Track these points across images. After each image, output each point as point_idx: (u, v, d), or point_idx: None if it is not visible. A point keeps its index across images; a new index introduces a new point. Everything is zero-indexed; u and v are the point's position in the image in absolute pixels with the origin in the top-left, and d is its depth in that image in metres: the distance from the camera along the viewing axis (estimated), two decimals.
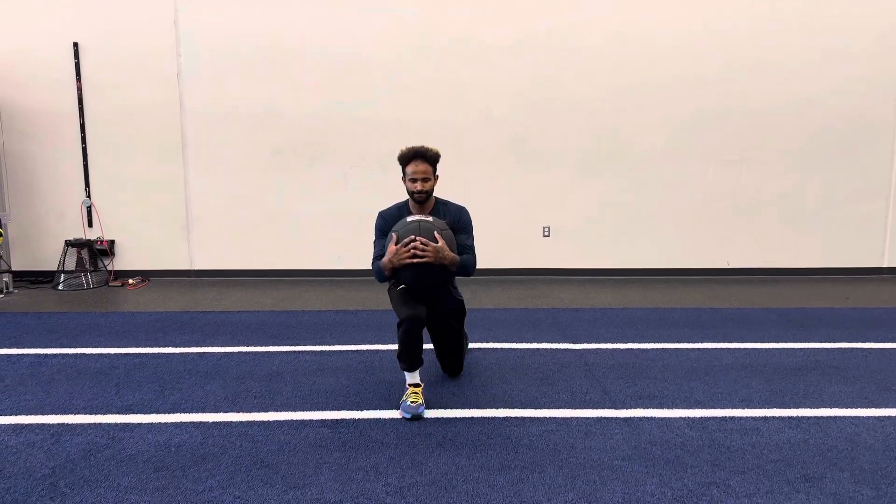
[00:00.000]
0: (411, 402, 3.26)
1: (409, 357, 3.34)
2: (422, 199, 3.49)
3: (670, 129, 6.45)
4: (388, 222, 3.55)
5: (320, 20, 6.30)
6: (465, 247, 3.52)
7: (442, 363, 3.79)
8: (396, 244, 3.31)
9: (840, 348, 4.28)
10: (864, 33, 6.31)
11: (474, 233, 3.66)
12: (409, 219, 3.39)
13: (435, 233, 3.30)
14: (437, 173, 3.53)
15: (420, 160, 3.44)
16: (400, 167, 3.52)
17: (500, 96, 6.34)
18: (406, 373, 3.38)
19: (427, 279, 3.38)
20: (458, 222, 3.56)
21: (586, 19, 6.30)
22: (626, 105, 6.41)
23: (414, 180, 3.45)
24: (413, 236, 3.27)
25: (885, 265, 6.65)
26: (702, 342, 4.41)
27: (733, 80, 6.36)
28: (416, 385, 3.35)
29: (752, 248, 6.62)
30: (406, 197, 3.61)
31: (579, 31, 6.32)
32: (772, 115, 6.41)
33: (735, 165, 6.49)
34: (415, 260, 3.26)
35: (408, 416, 3.23)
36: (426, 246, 3.25)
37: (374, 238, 3.63)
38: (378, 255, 3.52)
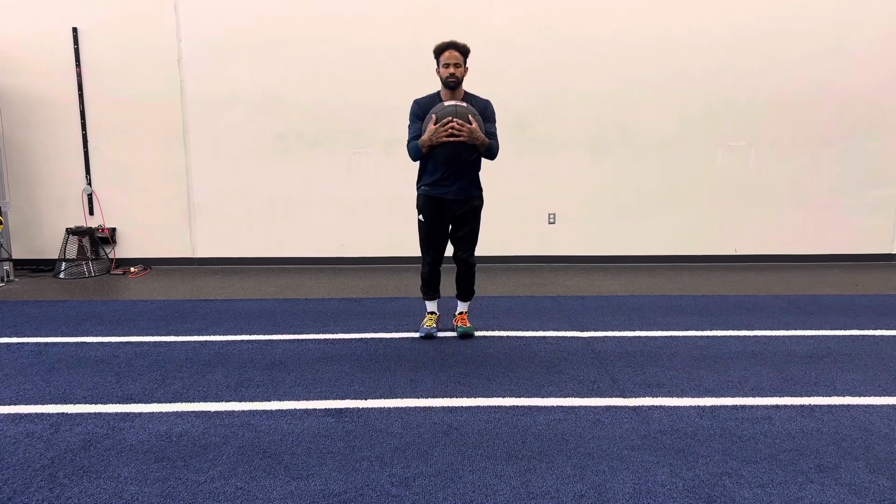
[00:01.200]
0: (426, 325, 4.14)
1: (429, 290, 4.19)
2: (453, 83, 3.84)
3: (678, 114, 6.36)
4: (423, 108, 3.92)
5: (323, 4, 6.20)
6: (490, 133, 3.93)
7: (457, 249, 4.13)
8: (436, 124, 3.70)
9: (851, 336, 4.22)
10: (875, 18, 6.19)
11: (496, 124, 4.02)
12: (447, 103, 3.79)
13: (469, 116, 3.72)
14: (466, 65, 3.90)
15: (453, 49, 3.83)
16: (435, 60, 3.88)
17: (506, 82, 6.25)
18: (426, 302, 4.21)
19: (460, 156, 3.82)
20: (485, 111, 3.95)
21: (594, 4, 6.20)
22: (633, 91, 6.32)
23: (447, 65, 3.82)
24: (451, 117, 3.69)
25: (895, 252, 6.56)
26: (710, 330, 4.35)
27: (743, 66, 6.26)
28: (433, 313, 4.22)
29: (761, 234, 6.54)
30: (437, 89, 3.96)
31: (586, 17, 6.21)
32: (781, 101, 6.31)
33: (743, 151, 6.40)
34: (452, 139, 3.70)
35: (422, 334, 4.09)
36: (462, 126, 3.68)
37: (408, 123, 3.97)
38: (414, 137, 3.91)
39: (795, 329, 4.35)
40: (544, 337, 4.23)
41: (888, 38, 6.23)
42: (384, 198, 6.38)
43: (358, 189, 6.43)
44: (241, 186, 6.46)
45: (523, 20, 6.21)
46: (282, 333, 4.33)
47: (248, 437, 2.89)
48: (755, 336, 4.22)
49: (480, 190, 4.11)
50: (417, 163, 4.08)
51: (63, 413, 3.14)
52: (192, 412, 3.14)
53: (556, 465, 2.63)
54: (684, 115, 6.36)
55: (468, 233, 4.08)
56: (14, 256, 6.25)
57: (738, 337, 4.21)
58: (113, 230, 6.52)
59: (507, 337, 4.23)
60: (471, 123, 3.71)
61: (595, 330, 4.36)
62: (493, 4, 6.19)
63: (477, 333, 4.26)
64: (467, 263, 4.13)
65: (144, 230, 6.56)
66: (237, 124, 6.36)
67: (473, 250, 4.15)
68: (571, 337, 4.22)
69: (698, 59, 6.26)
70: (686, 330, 4.34)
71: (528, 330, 4.37)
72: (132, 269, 6.34)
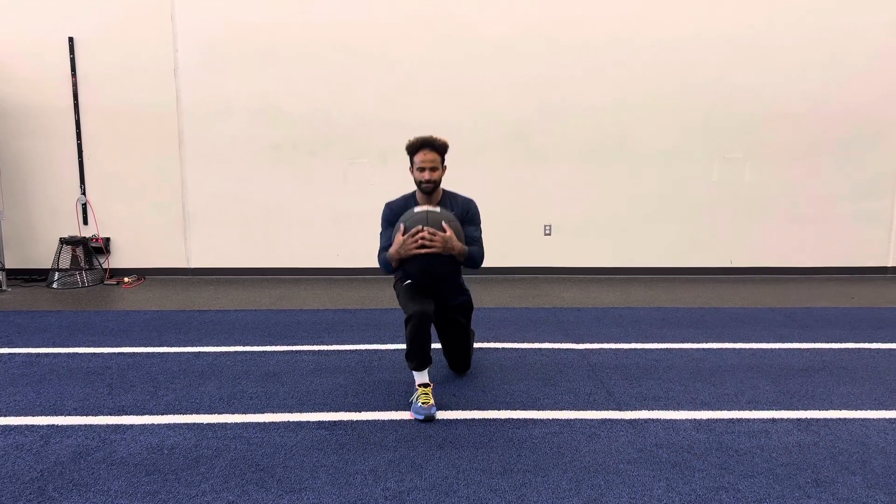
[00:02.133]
0: (422, 404, 3.18)
1: (418, 354, 3.27)
2: (430, 188, 3.41)
3: (674, 126, 6.37)
4: (395, 213, 3.49)
5: (319, 14, 6.21)
6: (473, 238, 3.46)
7: (449, 360, 3.74)
8: (404, 234, 3.24)
9: (847, 349, 4.21)
10: (870, 31, 6.23)
11: (482, 226, 3.60)
12: (417, 209, 3.32)
13: (443, 223, 3.23)
14: (444, 164, 3.47)
15: (428, 149, 3.38)
16: (408, 158, 3.47)
17: (502, 93, 6.26)
18: (415, 372, 3.30)
19: (435, 270, 3.30)
20: (466, 214, 3.50)
21: (590, 16, 6.22)
22: (629, 103, 6.33)
23: (422, 169, 3.38)
24: (421, 226, 3.21)
25: (890, 265, 6.57)
26: (707, 342, 4.34)
27: (739, 78, 6.28)
28: (426, 385, 3.27)
29: (757, 247, 6.54)
30: (413, 189, 3.54)
31: (583, 28, 6.23)
32: (777, 113, 6.33)
33: (739, 164, 6.41)
34: (423, 250, 3.19)
35: (420, 417, 3.16)
36: (434, 236, 3.18)
37: (380, 230, 3.58)
38: (385, 247, 3.45)
39: (791, 342, 4.34)
40: (540, 349, 4.21)
41: (883, 51, 6.26)
42: (380, 208, 6.30)
43: (354, 199, 6.42)
44: (236, 196, 6.44)
45: (521, 30, 6.23)
46: (276, 345, 4.30)
47: (240, 449, 2.86)
48: (751, 349, 4.21)
49: (467, 293, 3.68)
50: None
51: (53, 425, 3.10)
52: (184, 424, 3.10)
53: (551, 479, 2.60)
54: (681, 127, 6.37)
55: (459, 339, 3.64)
56: (7, 266, 6.21)
57: (735, 350, 4.19)
58: (107, 240, 6.48)
59: (503, 349, 4.21)
60: (445, 231, 3.21)
61: (591, 342, 4.34)
62: (490, 14, 6.21)
63: (472, 345, 4.23)
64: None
65: (139, 240, 6.53)
66: (233, 134, 6.35)
67: (468, 364, 3.75)
68: (567, 349, 4.21)
69: (696, 71, 6.28)
70: (682, 342, 4.33)
71: (523, 341, 4.35)
72: (126, 279, 6.31)
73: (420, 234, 3.19)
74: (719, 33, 6.24)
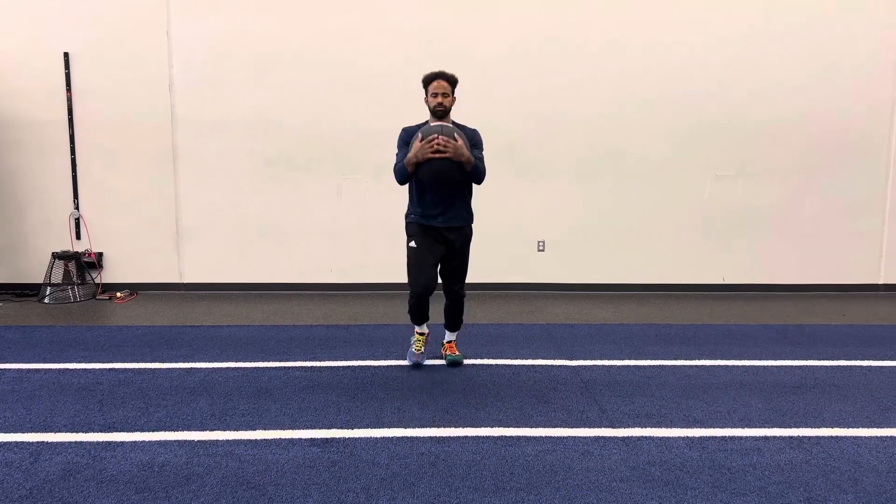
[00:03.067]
0: (416, 350, 4.11)
1: (418, 316, 4.07)
2: (441, 112, 3.89)
3: (666, 143, 6.41)
4: (410, 135, 3.93)
5: (314, 31, 6.25)
6: (478, 157, 3.92)
7: (446, 284, 4.13)
8: (421, 141, 3.71)
9: (839, 366, 4.22)
10: (859, 49, 6.31)
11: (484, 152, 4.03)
12: (433, 124, 3.82)
13: (455, 134, 3.74)
14: (454, 94, 3.95)
15: (441, 79, 3.90)
16: (423, 89, 3.97)
17: (495, 108, 6.29)
18: (415, 325, 4.14)
19: (447, 174, 3.78)
20: (472, 138, 3.96)
21: (583, 32, 6.28)
22: (621, 119, 6.37)
23: (435, 95, 3.88)
24: (436, 134, 3.70)
25: (881, 282, 6.61)
26: (699, 359, 4.34)
27: (730, 94, 6.34)
28: (422, 333, 4.15)
29: (748, 264, 6.57)
30: (426, 119, 4.01)
31: (576, 44, 6.29)
32: (768, 129, 6.38)
33: (731, 181, 6.46)
34: (437, 154, 3.69)
35: (410, 362, 4.10)
36: (447, 143, 3.68)
37: (396, 150, 3.99)
38: (400, 160, 3.89)
39: (783, 359, 4.36)
40: (533, 365, 4.21)
41: (874, 69, 6.33)
42: (374, 224, 6.38)
43: (348, 215, 6.42)
44: (229, 211, 6.44)
45: (513, 46, 6.27)
46: (268, 361, 4.28)
47: (231, 467, 2.84)
48: (743, 366, 4.22)
49: (471, 218, 4.10)
50: (407, 191, 4.08)
51: (43, 442, 3.08)
52: (175, 441, 3.09)
53: (544, 497, 2.60)
54: (673, 143, 6.42)
55: (458, 265, 4.08)
56: None
57: (727, 367, 4.20)
58: (100, 255, 6.46)
59: (496, 365, 4.21)
60: (456, 141, 3.71)
61: (584, 359, 4.34)
62: (484, 30, 6.26)
63: (465, 361, 4.24)
64: (458, 295, 4.14)
65: (132, 255, 6.51)
66: (227, 148, 6.36)
67: (463, 283, 4.15)
68: (560, 365, 4.21)
69: (687, 88, 6.32)
70: (675, 359, 4.34)
71: (516, 358, 4.35)
72: (118, 294, 6.28)
73: (436, 140, 3.68)
74: (710, 51, 6.30)
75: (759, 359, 4.35)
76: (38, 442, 3.08)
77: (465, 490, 2.66)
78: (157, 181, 6.39)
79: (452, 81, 3.93)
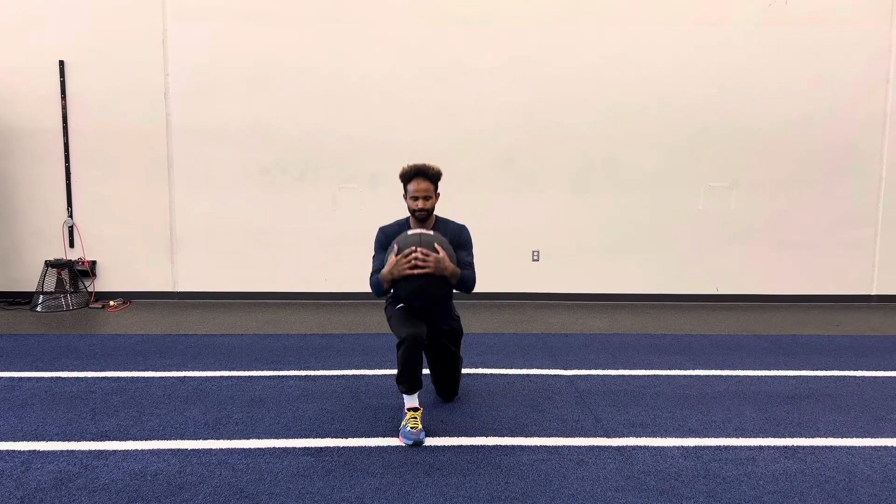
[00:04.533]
0: (411, 428, 3.20)
1: (410, 378, 3.27)
2: (423, 216, 3.48)
3: (660, 153, 6.44)
4: (388, 237, 3.53)
5: (310, 41, 6.27)
6: (465, 263, 3.51)
7: (437, 386, 3.74)
8: (397, 255, 3.28)
9: (833, 376, 4.23)
10: (852, 59, 6.36)
11: (473, 251, 3.66)
12: (410, 231, 3.39)
13: (435, 244, 3.29)
14: (438, 191, 3.54)
15: (422, 178, 3.44)
16: (402, 185, 3.54)
17: (491, 118, 6.31)
18: (405, 396, 3.31)
19: (428, 291, 3.34)
20: (457, 239, 3.56)
21: (577, 43, 6.31)
22: (615, 129, 6.40)
23: (415, 198, 3.45)
24: (414, 247, 3.25)
25: (874, 293, 6.63)
26: (693, 369, 4.35)
27: (723, 106, 6.37)
28: (416, 409, 3.28)
29: (742, 274, 6.58)
30: (407, 215, 3.61)
31: (571, 55, 6.32)
32: (761, 140, 6.42)
33: (725, 191, 6.49)
34: (416, 271, 3.24)
35: (409, 442, 3.17)
36: (427, 256, 3.23)
37: (373, 253, 3.62)
38: (377, 269, 3.48)
39: (777, 369, 4.37)
40: (528, 375, 4.20)
41: (866, 82, 6.38)
42: (369, 233, 6.29)
43: (342, 224, 6.42)
44: (224, 220, 6.43)
45: (508, 56, 6.30)
46: (262, 369, 4.27)
47: (225, 476, 2.82)
48: (738, 376, 4.23)
49: (458, 319, 3.74)
50: (402, 197, 3.86)
51: (35, 450, 3.06)
52: (168, 450, 3.07)
53: None
54: (667, 154, 6.44)
55: (448, 364, 3.65)
56: None
57: (721, 377, 4.21)
58: (93, 263, 6.44)
59: (491, 374, 4.20)
60: (438, 253, 3.27)
61: (579, 368, 4.34)
62: (478, 40, 6.28)
63: (461, 371, 4.22)
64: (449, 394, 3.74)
65: (125, 263, 6.48)
66: (222, 157, 6.36)
67: (457, 390, 3.76)
68: (555, 375, 4.20)
69: (682, 99, 6.35)
70: (669, 369, 4.34)
71: (511, 367, 4.34)
72: (111, 302, 6.25)
73: (413, 255, 3.23)
74: (704, 63, 6.34)
75: (754, 369, 4.36)
76: (29, 451, 3.06)
77: (459, 499, 2.65)
78: (151, 190, 6.38)
79: (435, 178, 3.49)
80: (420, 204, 3.44)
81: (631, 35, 6.31)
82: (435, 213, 3.59)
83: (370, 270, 3.55)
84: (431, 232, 3.39)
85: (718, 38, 6.32)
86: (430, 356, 3.65)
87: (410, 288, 3.32)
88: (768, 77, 6.36)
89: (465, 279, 3.46)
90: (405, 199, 3.53)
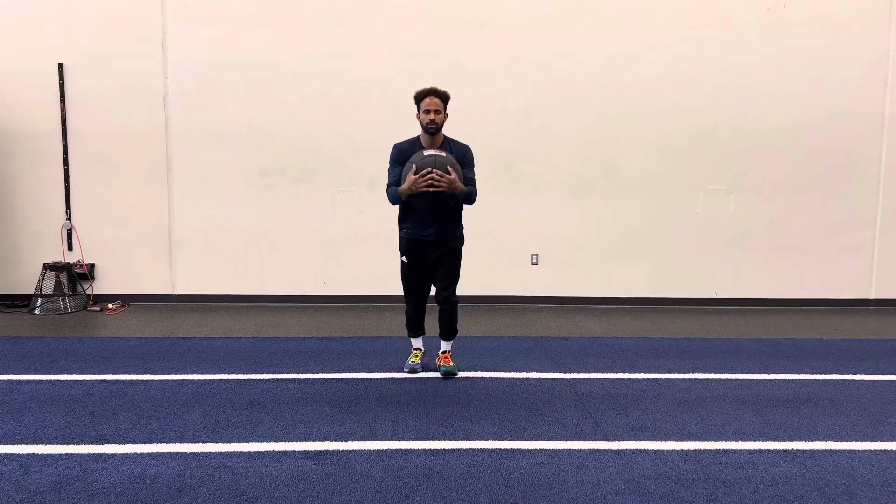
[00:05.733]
0: (412, 361, 4.23)
1: (415, 327, 4.29)
2: (433, 129, 3.97)
3: (659, 157, 6.45)
4: (402, 153, 4.04)
5: (309, 43, 6.27)
6: (469, 179, 4.06)
7: (438, 290, 4.21)
8: (415, 174, 3.81)
9: (832, 380, 4.23)
10: (850, 63, 6.37)
11: (475, 169, 4.19)
12: (426, 153, 3.92)
13: (448, 167, 3.84)
14: (446, 112, 4.04)
15: (433, 95, 3.98)
16: (416, 105, 4.04)
17: (490, 122, 6.32)
18: (412, 339, 4.32)
19: (440, 205, 3.94)
20: (463, 157, 4.08)
21: (577, 46, 6.32)
22: (614, 133, 6.41)
23: (428, 111, 3.95)
24: (430, 168, 3.80)
25: (872, 297, 6.64)
26: (693, 373, 4.35)
27: (722, 109, 6.39)
28: (419, 349, 4.31)
29: (741, 278, 6.59)
30: (417, 134, 4.10)
31: (570, 58, 6.33)
32: (760, 143, 6.43)
33: (723, 195, 6.50)
34: (431, 188, 3.81)
35: (406, 370, 4.18)
36: (441, 177, 3.80)
37: (388, 167, 4.10)
38: (393, 182, 4.04)
39: (776, 373, 4.37)
40: (527, 378, 4.20)
41: (864, 86, 6.39)
42: (368, 236, 6.37)
43: (341, 227, 6.42)
44: (223, 223, 6.42)
45: (508, 59, 6.31)
46: (261, 373, 4.26)
47: (224, 479, 2.82)
48: (737, 379, 4.23)
49: (461, 229, 4.22)
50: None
51: (33, 454, 3.05)
52: (167, 453, 3.06)
53: None
54: (666, 158, 6.45)
55: (448, 271, 4.16)
56: None
57: (721, 380, 4.21)
58: (92, 266, 6.43)
59: (490, 378, 4.20)
60: (450, 174, 3.83)
61: (578, 372, 4.34)
62: (477, 44, 6.29)
63: (459, 374, 4.22)
64: (449, 301, 4.19)
65: (124, 266, 6.47)
66: (221, 160, 6.35)
67: (454, 287, 4.21)
68: (554, 378, 4.20)
69: (680, 104, 6.36)
70: (669, 373, 4.34)
71: (510, 371, 4.34)
72: (110, 305, 6.24)
73: (430, 175, 3.80)
74: (703, 67, 6.35)
75: (753, 372, 4.36)
76: (28, 454, 3.05)
77: (459, 503, 2.64)
78: (150, 192, 6.37)
79: (444, 98, 4.02)
80: (432, 116, 3.94)
81: (630, 38, 6.33)
82: (442, 132, 4.05)
83: (386, 183, 4.09)
84: (444, 154, 3.91)
85: (717, 41, 6.34)
86: (434, 269, 4.14)
87: (425, 201, 3.90)
88: (766, 80, 6.38)
89: (470, 194, 4.05)
90: (418, 117, 4.03)
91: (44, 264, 6.18)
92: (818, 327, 5.78)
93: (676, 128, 6.42)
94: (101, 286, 6.49)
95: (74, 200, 6.37)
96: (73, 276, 6.25)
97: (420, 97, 4.02)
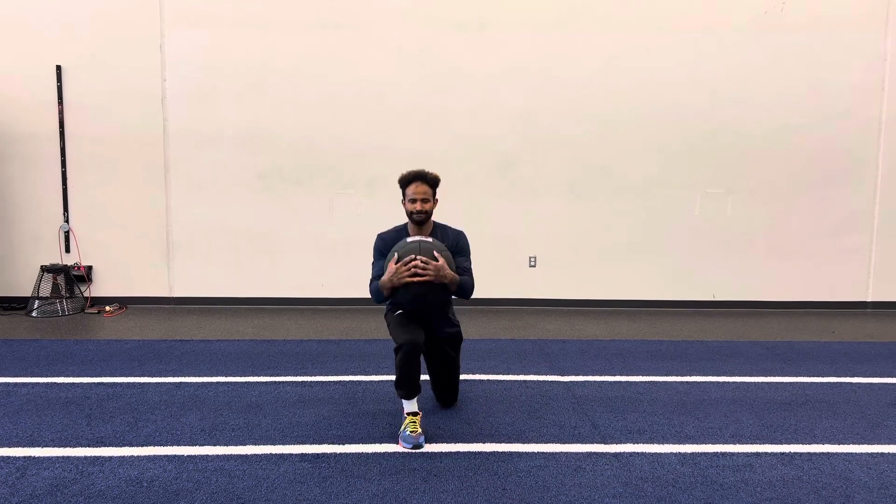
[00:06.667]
0: (410, 433, 3.20)
1: (408, 383, 3.26)
2: (421, 219, 3.52)
3: (657, 160, 6.46)
4: (387, 244, 3.56)
5: (308, 46, 6.28)
6: (463, 269, 3.54)
7: (436, 392, 3.73)
8: (397, 263, 3.31)
9: (829, 383, 4.24)
10: (847, 67, 6.39)
11: (471, 257, 3.70)
12: (410, 239, 3.41)
13: (435, 252, 3.32)
14: (436, 197, 3.58)
15: (420, 182, 3.50)
16: (400, 191, 3.58)
17: (489, 125, 6.33)
18: (404, 401, 3.31)
19: (427, 298, 3.38)
20: (456, 245, 3.60)
21: (574, 51, 6.34)
22: (612, 136, 6.42)
23: (414, 201, 3.48)
24: (413, 255, 3.28)
25: (869, 299, 6.65)
26: (690, 375, 4.35)
27: (719, 113, 6.40)
28: (415, 414, 3.29)
29: (738, 280, 6.60)
30: (405, 221, 3.65)
31: (568, 62, 6.34)
32: (757, 147, 6.45)
33: (721, 198, 6.51)
34: (415, 278, 3.26)
35: (408, 446, 3.17)
36: (427, 264, 3.26)
37: (371, 260, 3.64)
38: (376, 276, 3.52)
39: (774, 376, 4.37)
40: (525, 381, 4.20)
41: (861, 90, 6.41)
42: (366, 239, 6.27)
43: (340, 229, 6.42)
44: (221, 225, 6.42)
45: (507, 63, 6.32)
46: (259, 375, 4.26)
47: (221, 482, 2.81)
48: (734, 382, 4.23)
49: (457, 325, 3.71)
50: (400, 203, 3.99)
51: (30, 456, 3.04)
52: (164, 456, 3.06)
53: None
54: (664, 161, 6.46)
55: (447, 370, 3.66)
56: None
57: (718, 383, 4.21)
58: (89, 268, 6.42)
59: (488, 380, 4.20)
60: (437, 261, 3.29)
61: (576, 374, 4.34)
62: (476, 47, 6.30)
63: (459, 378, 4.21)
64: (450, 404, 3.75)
65: (121, 268, 6.47)
66: (219, 162, 6.35)
67: (456, 396, 3.75)
68: (552, 381, 4.20)
69: (678, 106, 6.38)
70: (666, 375, 4.34)
71: (508, 373, 4.34)
72: (107, 307, 6.24)
73: (413, 263, 3.26)
74: (700, 70, 6.37)
75: (750, 375, 4.37)
76: (24, 457, 3.04)
77: None
78: (148, 194, 6.37)
79: (434, 183, 3.55)
80: (419, 206, 3.47)
81: (628, 42, 6.34)
82: (433, 219, 3.62)
83: (369, 277, 3.57)
84: (430, 239, 3.41)
85: (715, 44, 6.35)
86: (430, 361, 3.66)
87: (410, 295, 3.34)
88: (764, 84, 6.39)
89: (464, 285, 3.49)
90: (403, 204, 3.56)
91: (41, 266, 6.17)
92: (815, 330, 5.79)
93: (674, 131, 6.43)
94: (98, 288, 6.48)
95: (72, 202, 6.37)
96: (71, 278, 6.24)
97: (405, 183, 3.53)
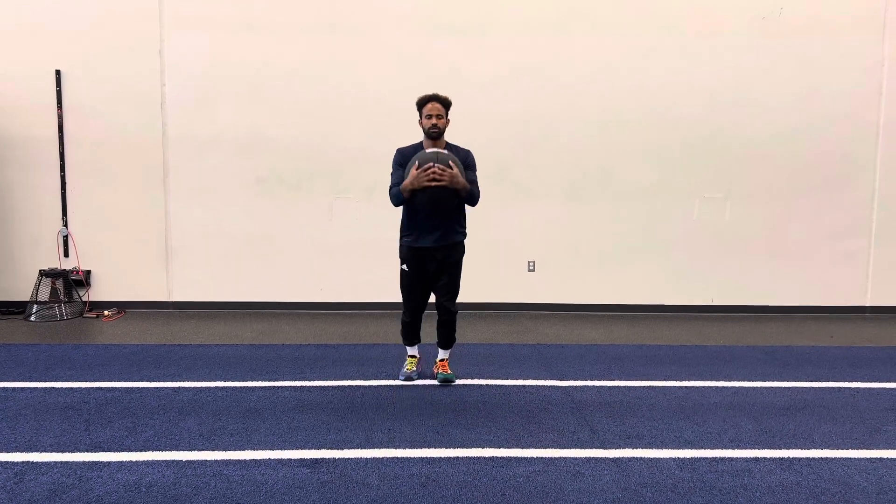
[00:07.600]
0: (407, 369, 4.23)
1: (410, 335, 4.29)
2: (435, 134, 4.01)
3: (655, 165, 6.47)
4: (405, 156, 4.07)
5: (307, 50, 6.28)
6: (471, 181, 4.06)
7: (438, 301, 4.22)
8: (418, 169, 3.83)
9: (828, 387, 4.24)
10: (845, 71, 6.40)
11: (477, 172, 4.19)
12: (428, 150, 3.95)
13: (450, 161, 3.87)
14: (448, 118, 4.09)
15: (435, 101, 4.05)
16: (418, 112, 4.09)
17: (487, 129, 6.32)
18: (406, 346, 4.32)
19: (441, 201, 3.92)
20: (465, 160, 4.10)
21: (573, 54, 6.34)
22: (611, 141, 6.43)
23: (430, 117, 4.01)
24: (432, 163, 3.82)
25: (867, 304, 6.65)
26: (689, 380, 4.35)
27: (718, 117, 6.41)
28: (414, 357, 4.32)
29: (737, 285, 6.60)
30: (420, 139, 4.14)
31: (566, 66, 6.35)
32: (755, 151, 6.45)
33: (719, 202, 6.51)
34: (433, 183, 3.81)
35: (402, 378, 4.18)
36: (443, 171, 3.81)
37: (391, 170, 4.13)
38: (395, 183, 4.04)
39: (772, 380, 4.37)
40: (524, 386, 4.20)
41: (859, 94, 6.42)
42: (365, 243, 6.38)
43: (339, 234, 6.41)
44: (219, 229, 6.42)
45: (505, 66, 6.33)
46: (257, 380, 4.25)
47: (220, 487, 2.81)
48: (733, 387, 4.23)
49: (463, 235, 4.21)
50: (400, 212, 4.17)
51: (28, 462, 3.04)
52: (162, 461, 3.05)
53: None
54: (662, 166, 6.47)
55: (449, 282, 4.16)
56: None
57: (717, 388, 4.21)
58: (88, 272, 6.42)
59: (487, 385, 4.20)
60: (452, 169, 3.84)
61: (574, 379, 4.34)
62: (475, 52, 6.31)
63: (456, 381, 4.22)
64: (449, 311, 4.20)
65: (120, 273, 6.46)
66: (218, 166, 6.35)
67: (455, 298, 4.23)
68: (551, 386, 4.20)
69: (677, 111, 6.39)
70: (665, 380, 4.34)
71: (507, 378, 4.34)
72: (106, 312, 6.23)
73: (432, 169, 3.81)
74: (698, 75, 6.37)
75: (749, 380, 4.37)
76: (23, 462, 3.04)
77: None
78: (147, 199, 6.37)
79: (446, 104, 4.07)
80: (434, 122, 3.99)
81: (626, 46, 6.35)
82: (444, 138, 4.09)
83: (388, 185, 4.09)
84: (446, 151, 3.95)
85: (713, 49, 6.36)
86: (434, 288, 4.19)
87: (427, 197, 3.88)
88: (762, 88, 6.41)
89: (473, 193, 4.06)
90: (420, 123, 4.08)
91: (40, 271, 6.17)
92: (814, 335, 5.79)
93: (673, 135, 6.44)
94: (97, 293, 6.47)
95: (71, 207, 6.36)
96: (70, 282, 6.24)
97: (422, 103, 4.07)
